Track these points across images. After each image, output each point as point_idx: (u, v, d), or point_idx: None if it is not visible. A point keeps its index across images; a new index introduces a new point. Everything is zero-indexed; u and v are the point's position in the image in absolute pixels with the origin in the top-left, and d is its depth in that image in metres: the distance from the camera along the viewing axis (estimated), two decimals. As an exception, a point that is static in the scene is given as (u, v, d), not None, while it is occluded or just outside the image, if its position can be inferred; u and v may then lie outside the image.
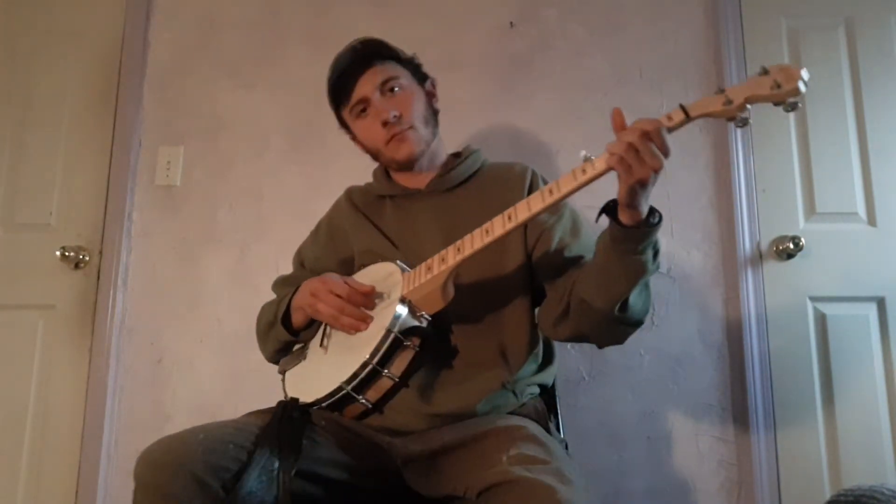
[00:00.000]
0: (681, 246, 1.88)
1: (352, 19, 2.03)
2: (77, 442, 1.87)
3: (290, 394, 1.13)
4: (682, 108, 0.92)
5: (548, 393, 1.27)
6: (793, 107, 0.87)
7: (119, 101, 2.04)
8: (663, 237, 1.84)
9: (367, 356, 1.03)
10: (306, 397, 1.07)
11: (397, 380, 1.05)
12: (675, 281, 1.86)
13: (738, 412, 1.79)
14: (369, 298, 1.14)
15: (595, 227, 1.08)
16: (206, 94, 2.04)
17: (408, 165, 1.29)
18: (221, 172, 1.99)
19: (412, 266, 1.15)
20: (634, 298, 1.04)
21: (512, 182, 1.28)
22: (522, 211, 1.03)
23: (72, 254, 1.94)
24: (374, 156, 1.34)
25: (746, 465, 1.76)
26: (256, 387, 1.84)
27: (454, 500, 1.00)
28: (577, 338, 1.14)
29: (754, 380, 1.79)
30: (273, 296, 1.37)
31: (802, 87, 0.85)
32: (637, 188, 0.92)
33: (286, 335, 1.24)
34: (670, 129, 0.92)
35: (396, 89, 1.27)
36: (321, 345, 1.19)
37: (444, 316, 1.12)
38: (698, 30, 1.99)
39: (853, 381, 1.81)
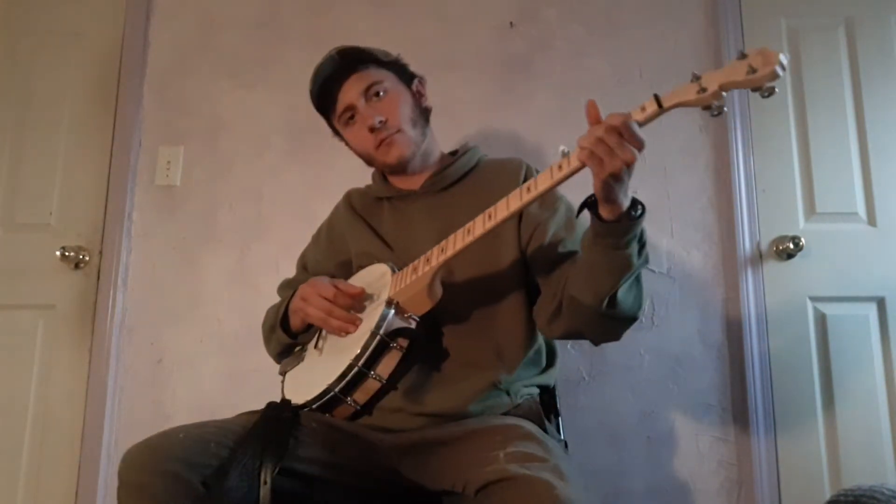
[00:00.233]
0: (681, 246, 1.88)
1: (352, 19, 2.03)
2: (77, 442, 1.87)
3: (287, 395, 1.14)
4: (656, 98, 0.89)
5: (548, 393, 1.26)
6: (770, 92, 0.83)
7: (119, 101, 2.04)
8: (663, 237, 1.87)
9: (352, 358, 1.04)
10: (300, 398, 1.08)
11: (384, 381, 1.06)
12: (675, 281, 1.86)
13: (738, 412, 1.79)
14: (358, 300, 1.14)
15: (586, 220, 1.07)
16: (206, 94, 2.04)
17: (399, 168, 1.29)
18: (221, 172, 1.99)
19: (404, 267, 1.15)
20: (624, 294, 1.02)
21: (506, 178, 1.26)
22: (501, 210, 1.03)
23: (72, 254, 1.94)
24: (367, 161, 1.34)
25: (746, 465, 1.76)
26: (256, 387, 1.84)
27: (452, 495, 1.00)
28: (572, 335, 1.13)
29: (754, 380, 1.79)
30: (278, 298, 1.39)
31: (780, 72, 0.80)
32: (611, 182, 0.90)
33: (286, 338, 1.26)
34: (644, 122, 0.90)
35: (381, 94, 1.26)
36: (315, 347, 1.20)
37: (438, 315, 1.12)
38: (698, 30, 1.99)
39: (853, 381, 1.81)
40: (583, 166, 0.93)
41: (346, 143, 1.37)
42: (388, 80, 1.29)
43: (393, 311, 1.07)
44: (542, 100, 1.96)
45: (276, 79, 2.02)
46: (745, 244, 1.86)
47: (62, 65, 2.11)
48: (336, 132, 1.37)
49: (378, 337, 1.04)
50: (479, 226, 1.05)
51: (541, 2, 2.02)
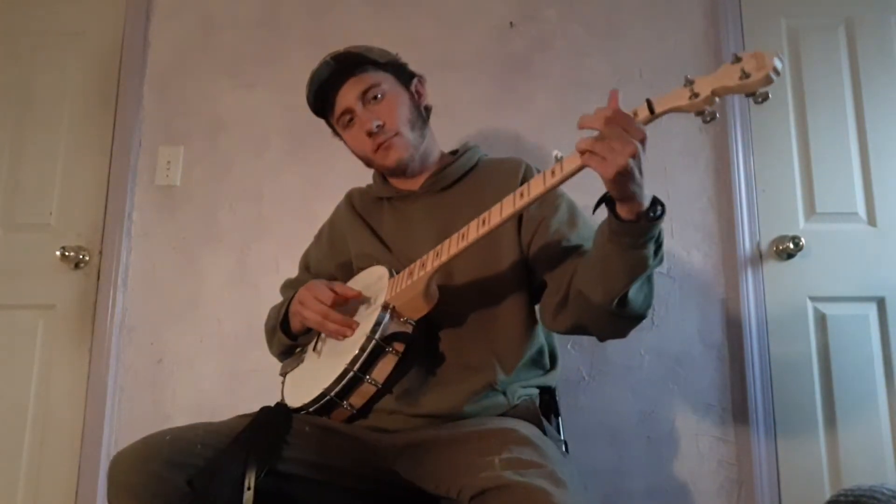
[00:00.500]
0: (681, 246, 1.88)
1: (352, 19, 2.03)
2: (77, 442, 1.87)
3: (286, 396, 1.15)
4: (648, 102, 0.87)
5: (548, 393, 1.26)
6: (764, 97, 0.80)
7: (119, 101, 2.04)
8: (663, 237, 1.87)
9: (348, 363, 1.04)
10: (298, 402, 1.09)
11: (380, 386, 1.06)
12: (675, 281, 1.86)
13: (738, 412, 1.79)
14: (355, 303, 1.14)
15: (595, 217, 1.06)
16: (206, 94, 2.04)
17: (398, 171, 1.29)
18: (221, 172, 1.99)
19: (402, 269, 1.15)
20: (635, 293, 1.00)
21: (506, 177, 1.26)
22: (495, 215, 1.02)
23: (72, 254, 1.94)
24: (366, 163, 1.34)
25: (746, 465, 1.76)
26: (256, 387, 1.84)
27: (446, 500, 0.99)
28: (578, 329, 1.11)
29: (754, 380, 1.79)
30: (278, 298, 1.39)
31: (773, 77, 0.78)
32: (619, 179, 0.86)
33: (287, 340, 1.26)
34: None
35: (379, 96, 1.25)
36: (314, 349, 1.20)
37: (436, 317, 1.12)
38: (698, 30, 1.99)
39: (853, 381, 1.81)
40: (577, 171, 0.91)
41: (346, 144, 1.37)
42: (386, 82, 1.27)
43: (389, 316, 1.07)
44: (542, 100, 1.96)
45: (276, 79, 2.02)
46: (745, 244, 1.86)
47: (62, 64, 2.11)
48: (336, 132, 1.37)
49: (374, 341, 1.05)
50: (473, 231, 1.04)
51: (541, 2, 2.02)
